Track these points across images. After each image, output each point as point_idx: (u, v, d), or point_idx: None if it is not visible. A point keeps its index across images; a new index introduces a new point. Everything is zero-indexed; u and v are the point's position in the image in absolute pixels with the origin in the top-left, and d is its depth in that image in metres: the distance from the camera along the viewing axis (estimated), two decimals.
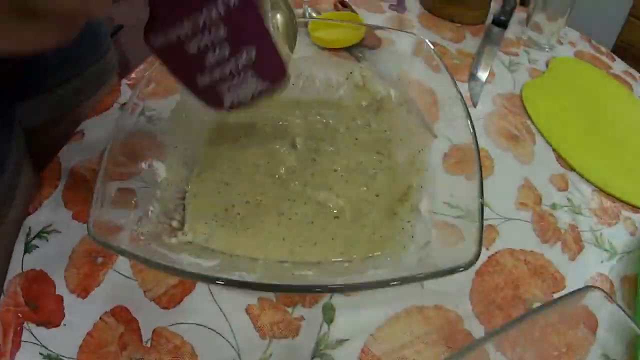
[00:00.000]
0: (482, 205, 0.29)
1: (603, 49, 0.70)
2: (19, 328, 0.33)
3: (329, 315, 0.33)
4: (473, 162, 0.31)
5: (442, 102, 0.41)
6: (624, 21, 1.23)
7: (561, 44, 0.66)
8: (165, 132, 0.38)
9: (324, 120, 0.40)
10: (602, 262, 0.40)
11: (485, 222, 0.40)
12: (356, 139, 0.39)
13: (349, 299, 0.34)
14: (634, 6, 1.22)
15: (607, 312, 0.30)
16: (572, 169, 0.47)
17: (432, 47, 0.40)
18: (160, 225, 0.32)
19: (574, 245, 0.41)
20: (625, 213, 0.45)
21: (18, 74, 0.46)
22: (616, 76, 0.64)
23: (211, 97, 0.30)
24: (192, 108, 0.40)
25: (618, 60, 0.68)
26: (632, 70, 0.68)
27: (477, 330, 0.34)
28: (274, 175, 0.36)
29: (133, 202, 0.32)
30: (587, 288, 0.31)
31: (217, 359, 0.31)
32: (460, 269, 0.25)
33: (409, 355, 0.32)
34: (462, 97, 0.37)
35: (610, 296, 0.30)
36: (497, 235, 0.40)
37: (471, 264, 0.26)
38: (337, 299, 0.34)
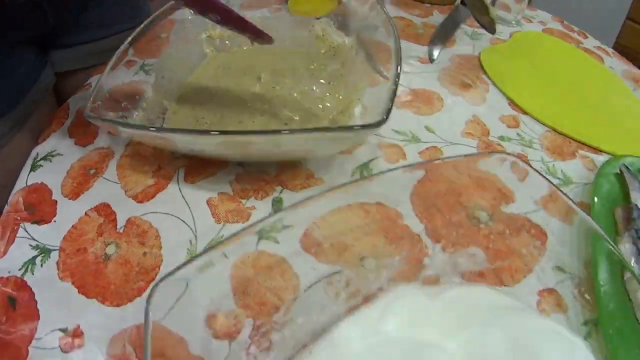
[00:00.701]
0: (398, 69, 0.33)
1: (575, 28, 0.71)
2: (15, 227, 0.37)
3: (277, 206, 0.38)
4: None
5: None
6: (622, 24, 1.27)
7: (530, 22, 0.69)
8: (155, 69, 0.45)
9: (288, 63, 0.47)
10: None
11: (429, 144, 0.44)
12: (313, 74, 0.45)
13: (297, 195, 0.39)
14: (631, 10, 1.26)
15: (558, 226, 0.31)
16: (525, 113, 0.48)
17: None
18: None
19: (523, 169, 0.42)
20: (583, 152, 0.45)
21: (58, 32, 0.54)
22: (586, 50, 0.64)
23: None
24: (181, 51, 0.48)
25: (591, 38, 0.69)
26: (606, 47, 0.69)
27: (417, 226, 0.36)
28: (241, 98, 0.43)
29: (123, 104, 0.39)
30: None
31: (176, 239, 0.36)
32: (371, 126, 0.30)
33: (347, 241, 0.36)
34: (397, 42, 0.39)
35: (527, 162, 0.32)
36: (441, 155, 0.43)
37: (382, 121, 0.30)
38: (286, 194, 0.39)
